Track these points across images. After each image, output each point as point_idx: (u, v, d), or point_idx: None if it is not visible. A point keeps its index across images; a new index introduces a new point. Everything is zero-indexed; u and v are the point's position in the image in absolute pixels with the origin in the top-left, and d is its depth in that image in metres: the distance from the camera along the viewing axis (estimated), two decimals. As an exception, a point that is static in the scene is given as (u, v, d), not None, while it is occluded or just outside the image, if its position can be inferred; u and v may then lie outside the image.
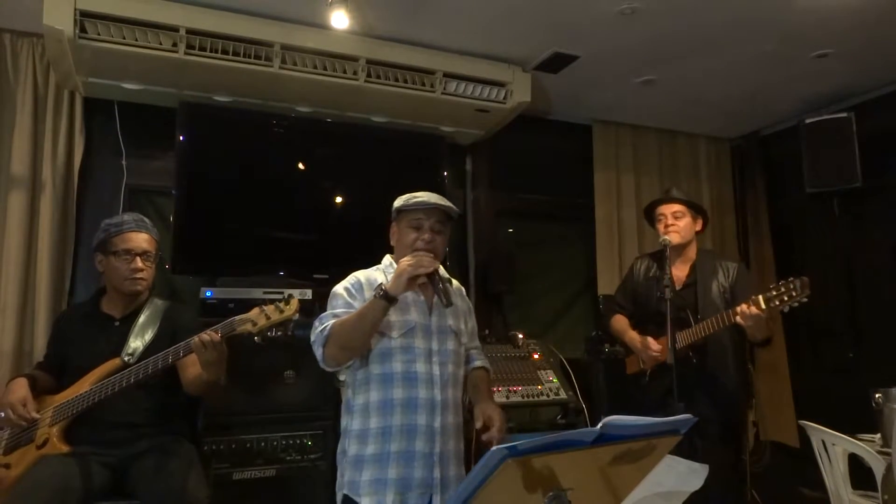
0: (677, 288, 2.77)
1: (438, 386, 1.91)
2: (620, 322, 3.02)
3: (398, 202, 2.03)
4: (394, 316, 1.90)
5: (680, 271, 2.89)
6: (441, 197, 1.99)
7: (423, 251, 1.90)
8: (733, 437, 2.92)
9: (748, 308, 2.48)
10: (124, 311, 2.40)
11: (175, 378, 2.32)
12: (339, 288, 2.00)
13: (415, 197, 1.98)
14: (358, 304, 1.91)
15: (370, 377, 1.91)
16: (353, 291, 1.96)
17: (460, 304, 2.11)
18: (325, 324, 1.89)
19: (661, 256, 3.01)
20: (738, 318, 2.51)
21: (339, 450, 2.00)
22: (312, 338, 1.91)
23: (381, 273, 2.03)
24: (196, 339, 2.09)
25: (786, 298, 2.44)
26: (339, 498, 1.93)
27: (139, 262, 2.34)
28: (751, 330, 2.57)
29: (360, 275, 2.03)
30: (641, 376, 2.91)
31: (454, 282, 2.14)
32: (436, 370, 1.92)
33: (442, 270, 2.04)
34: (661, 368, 2.78)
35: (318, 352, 1.89)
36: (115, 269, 2.35)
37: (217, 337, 2.09)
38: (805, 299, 2.43)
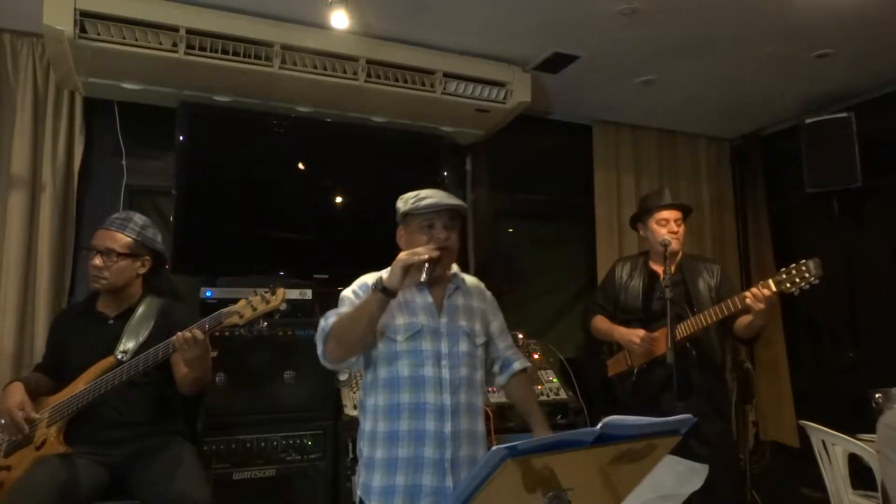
0: (664, 285, 2.79)
1: (448, 390, 1.85)
2: (605, 322, 3.02)
3: (404, 205, 1.95)
4: (400, 319, 1.87)
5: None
6: (448, 194, 1.95)
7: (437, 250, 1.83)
8: (730, 433, 2.93)
9: (760, 291, 2.49)
10: (118, 309, 2.39)
11: (171, 375, 2.32)
12: (346, 291, 1.97)
13: (421, 198, 1.92)
14: None
15: (377, 380, 1.89)
16: (360, 293, 1.92)
17: (476, 304, 2.04)
18: (328, 320, 1.87)
19: (645, 258, 3.05)
20: (748, 301, 2.52)
21: (357, 448, 1.98)
22: (316, 335, 1.89)
23: None
24: (178, 335, 2.09)
25: (798, 280, 2.45)
26: (356, 498, 1.94)
27: (97, 260, 2.32)
28: (755, 318, 2.58)
29: (368, 277, 1.98)
30: (627, 377, 2.91)
31: (470, 278, 2.10)
32: (445, 374, 1.86)
33: (456, 268, 2.04)
34: (651, 365, 2.79)
35: (319, 348, 1.87)
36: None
37: (199, 334, 2.08)
38: (817, 281, 2.43)
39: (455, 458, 1.81)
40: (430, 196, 1.92)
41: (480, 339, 1.99)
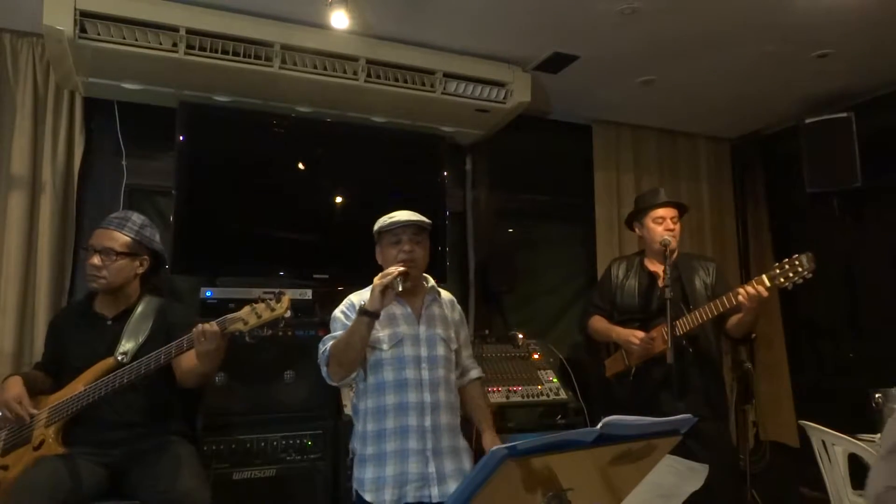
0: (663, 284, 2.79)
1: (428, 389, 2.11)
2: (602, 322, 3.03)
3: (376, 226, 2.23)
4: (384, 331, 2.12)
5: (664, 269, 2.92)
6: (413, 213, 2.20)
7: (403, 262, 2.10)
8: (728, 433, 2.93)
9: (753, 287, 2.49)
10: (116, 310, 2.38)
11: (171, 376, 2.30)
12: (336, 312, 2.23)
13: (390, 218, 2.19)
14: None
15: (367, 387, 2.14)
16: (349, 313, 2.17)
17: (449, 314, 2.29)
18: (325, 345, 2.13)
19: (641, 258, 3.06)
20: (740, 298, 2.52)
21: (350, 446, 2.23)
22: (318, 359, 2.14)
23: None
24: (199, 327, 2.08)
25: (791, 275, 2.46)
26: (353, 492, 2.13)
27: (95, 259, 2.31)
28: (747, 315, 2.58)
29: (354, 297, 2.24)
30: (625, 376, 2.91)
31: (445, 293, 2.33)
32: (425, 375, 2.12)
33: (431, 281, 2.28)
34: (649, 365, 2.79)
35: (323, 370, 2.13)
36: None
37: (217, 329, 2.08)
38: (810, 275, 2.44)
39: (437, 447, 2.07)
40: (397, 215, 2.20)
41: (454, 345, 2.27)
